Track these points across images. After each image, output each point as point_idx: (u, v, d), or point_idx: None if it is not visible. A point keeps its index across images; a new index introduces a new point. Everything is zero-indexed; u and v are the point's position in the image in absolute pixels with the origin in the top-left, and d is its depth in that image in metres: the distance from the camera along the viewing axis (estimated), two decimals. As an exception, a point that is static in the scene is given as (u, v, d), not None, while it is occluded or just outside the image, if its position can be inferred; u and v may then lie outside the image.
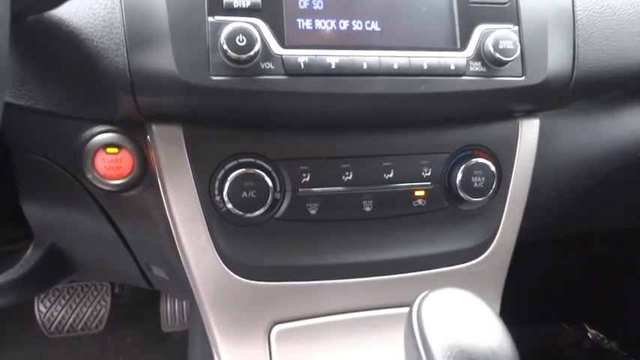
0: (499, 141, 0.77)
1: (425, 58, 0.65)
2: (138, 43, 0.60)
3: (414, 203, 0.74)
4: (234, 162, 0.68)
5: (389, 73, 0.64)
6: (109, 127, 0.67)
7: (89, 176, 0.68)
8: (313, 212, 0.71)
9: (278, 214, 0.71)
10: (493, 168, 0.75)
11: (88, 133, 0.67)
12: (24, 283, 0.85)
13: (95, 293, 1.56)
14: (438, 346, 0.44)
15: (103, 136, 0.67)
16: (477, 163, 0.74)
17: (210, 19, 0.60)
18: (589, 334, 1.81)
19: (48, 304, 1.53)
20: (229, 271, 0.71)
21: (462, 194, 0.74)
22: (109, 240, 0.81)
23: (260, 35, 0.60)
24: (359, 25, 0.65)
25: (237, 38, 0.58)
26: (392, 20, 0.65)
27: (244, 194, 0.67)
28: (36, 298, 1.53)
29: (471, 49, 0.67)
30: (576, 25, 0.73)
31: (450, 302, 0.48)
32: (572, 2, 0.73)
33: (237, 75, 0.61)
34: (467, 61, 0.66)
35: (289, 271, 0.73)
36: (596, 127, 0.85)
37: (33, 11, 0.56)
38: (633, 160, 0.87)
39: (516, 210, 0.79)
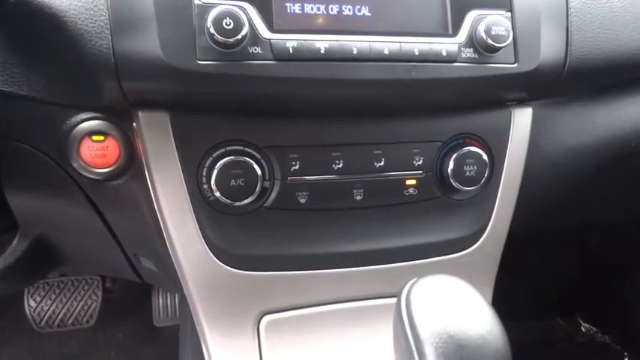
0: (491, 130, 0.76)
1: (416, 44, 0.64)
2: (122, 27, 0.58)
3: (405, 192, 0.74)
4: (223, 149, 0.67)
5: (379, 58, 0.63)
6: (95, 115, 0.66)
7: (75, 165, 0.67)
8: (303, 201, 0.70)
9: (267, 203, 0.70)
10: (485, 157, 0.74)
11: (73, 120, 0.65)
12: (10, 275, 0.84)
13: (86, 287, 1.54)
14: (426, 333, 0.43)
15: (88, 123, 0.65)
16: (469, 151, 0.73)
17: (197, 1, 0.59)
18: (582, 327, 1.81)
19: (38, 299, 1.52)
20: (217, 261, 0.70)
21: (453, 183, 0.73)
22: (96, 230, 0.80)
23: (248, 19, 0.59)
24: (349, 9, 0.63)
25: (225, 21, 0.57)
26: (383, 5, 0.64)
27: (232, 182, 0.66)
28: (25, 292, 1.51)
29: (462, 35, 0.66)
30: (569, 13, 0.72)
31: (439, 289, 0.47)
32: None
33: (224, 59, 0.59)
34: (459, 47, 0.66)
35: (278, 261, 0.72)
36: (591, 116, 0.84)
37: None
38: (627, 150, 0.86)
39: (509, 199, 0.79)
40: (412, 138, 0.73)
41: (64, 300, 1.52)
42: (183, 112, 0.66)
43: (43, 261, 0.91)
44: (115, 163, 0.67)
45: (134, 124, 0.66)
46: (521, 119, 0.77)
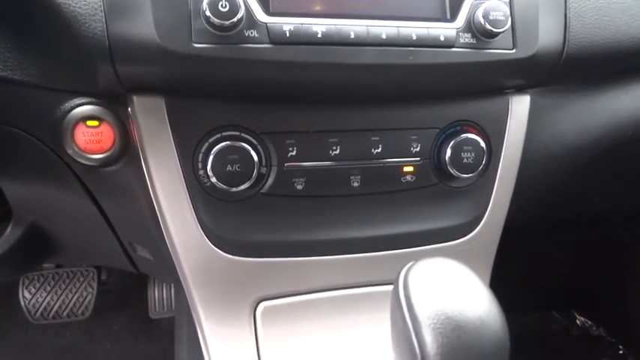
0: (489, 117, 0.75)
1: (414, 29, 0.64)
2: (116, 8, 0.57)
3: (402, 179, 0.73)
4: (219, 135, 0.66)
5: (377, 43, 0.62)
6: (89, 100, 0.65)
7: (69, 151, 0.66)
8: (300, 187, 0.70)
9: (264, 189, 0.69)
10: (483, 144, 0.74)
11: (67, 105, 0.65)
12: (3, 263, 0.83)
13: (81, 279, 1.53)
14: (424, 314, 0.43)
15: (82, 108, 0.65)
16: (467, 138, 0.73)
17: None
18: (577, 320, 1.82)
19: (33, 290, 1.51)
20: (213, 247, 0.69)
21: (451, 170, 0.73)
22: (91, 218, 0.79)
23: (244, 1, 0.58)
24: (347, -7, 0.63)
25: (220, 4, 0.56)
26: (381, -11, 0.64)
27: (229, 168, 0.65)
28: (20, 283, 1.50)
29: (461, 20, 0.66)
30: None
31: (437, 271, 0.47)
32: None
33: (219, 42, 0.59)
34: (457, 32, 0.65)
35: (275, 248, 0.71)
36: (588, 105, 0.84)
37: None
38: (625, 139, 0.86)
39: (506, 187, 0.78)
40: (409, 124, 0.72)
41: (59, 292, 1.51)
42: (179, 97, 0.65)
43: (37, 250, 0.91)
44: (109, 149, 0.67)
45: (129, 109, 0.65)
46: (519, 107, 0.77)
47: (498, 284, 0.84)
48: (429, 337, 0.42)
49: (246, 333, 0.72)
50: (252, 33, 0.59)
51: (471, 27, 0.66)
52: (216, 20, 0.57)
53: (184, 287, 0.74)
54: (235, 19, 0.57)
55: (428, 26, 0.64)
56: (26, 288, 1.50)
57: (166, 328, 1.60)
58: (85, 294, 1.52)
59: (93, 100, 0.65)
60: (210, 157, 0.65)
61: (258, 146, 0.68)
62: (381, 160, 0.72)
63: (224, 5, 0.57)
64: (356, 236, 0.73)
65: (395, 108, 0.72)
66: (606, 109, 0.85)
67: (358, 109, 0.71)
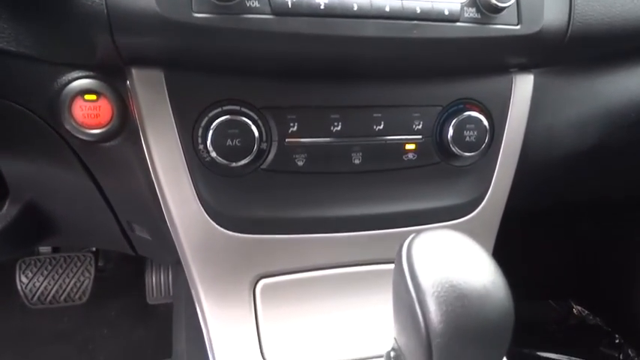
0: (492, 95, 0.75)
1: (418, 2, 0.63)
2: (115, -24, 0.56)
3: (404, 157, 0.73)
4: (219, 109, 0.65)
5: (380, 15, 0.61)
6: (87, 73, 0.64)
7: (67, 126, 0.65)
8: (300, 164, 0.69)
9: (264, 165, 0.68)
10: (486, 122, 0.73)
11: (65, 78, 0.63)
12: (1, 241, 0.82)
13: (78, 264, 1.52)
14: (428, 282, 0.42)
15: (80, 82, 0.63)
16: (470, 116, 0.72)
17: None
18: (574, 310, 1.82)
19: (30, 275, 1.50)
20: (213, 223, 0.68)
21: (453, 148, 0.72)
22: (88, 196, 0.78)
23: None
24: (350, -36, 0.62)
25: None
26: (385, -39, 0.63)
27: (229, 142, 0.65)
28: (17, 268, 1.49)
29: (465, -7, 0.65)
30: None
31: (441, 240, 0.46)
32: None
33: (220, 12, 0.58)
34: (461, 6, 0.64)
35: (275, 224, 0.71)
36: (592, 86, 0.83)
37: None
38: (628, 121, 0.86)
39: (508, 167, 0.78)
40: (412, 102, 0.72)
41: (56, 276, 1.50)
42: (179, 70, 0.64)
43: (34, 229, 0.90)
44: (108, 123, 0.66)
45: (127, 82, 0.64)
46: (523, 86, 0.76)
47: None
48: (432, 306, 0.42)
49: (246, 310, 0.72)
50: (253, 3, 0.58)
51: (475, 1, 0.65)
52: None
53: (183, 265, 0.73)
54: None
55: (432, 0, 0.63)
56: (23, 272, 1.49)
57: (164, 313, 1.59)
58: (82, 279, 1.51)
59: (91, 73, 0.64)
60: (210, 132, 0.65)
61: (259, 121, 0.67)
62: (383, 138, 0.71)
63: None
64: (356, 214, 0.73)
65: (397, 85, 0.71)
66: (609, 91, 0.85)
67: (360, 85, 0.70)
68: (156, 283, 1.53)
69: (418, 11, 0.62)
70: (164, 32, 0.58)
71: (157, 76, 0.64)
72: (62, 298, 1.51)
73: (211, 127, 0.65)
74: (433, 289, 0.42)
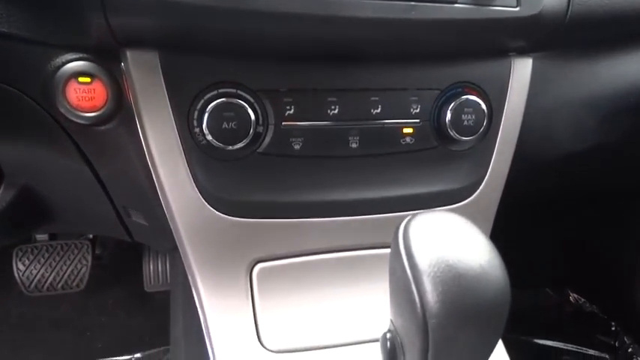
0: (491, 79, 0.74)
1: None
2: (108, -45, 0.55)
3: (401, 141, 0.72)
4: (214, 92, 0.65)
5: (378, -4, 0.61)
6: (81, 55, 0.63)
7: (61, 109, 0.64)
8: (297, 147, 0.68)
9: (260, 149, 0.68)
10: (484, 106, 0.73)
11: (58, 60, 0.63)
12: (-4, 226, 0.82)
13: (75, 252, 1.52)
14: (424, 262, 0.42)
15: (73, 64, 0.63)
16: (468, 100, 0.72)
17: None
18: (571, 297, 1.83)
19: (27, 262, 1.50)
20: (209, 207, 0.68)
21: (451, 132, 0.72)
22: (84, 181, 0.78)
23: None
24: (348, -57, 0.61)
25: None
26: (383, -59, 0.62)
27: (225, 125, 0.64)
28: (14, 255, 1.49)
29: (464, -25, 0.64)
30: None
31: (438, 221, 0.46)
32: None
33: None
34: None
35: (271, 208, 0.70)
36: (592, 70, 0.83)
37: None
38: (627, 106, 0.85)
39: (506, 151, 0.77)
40: (410, 85, 0.71)
41: (53, 264, 1.50)
42: (174, 51, 0.63)
43: (29, 214, 0.89)
44: (102, 106, 0.65)
45: (122, 64, 0.64)
46: (521, 70, 0.75)
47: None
48: (429, 286, 0.41)
49: (243, 295, 0.72)
50: None
51: None
52: None
53: (180, 250, 0.73)
54: None
55: None
56: (20, 260, 1.49)
57: (162, 301, 1.59)
58: (79, 266, 1.51)
59: (84, 55, 0.63)
60: (206, 115, 0.64)
61: (255, 104, 0.66)
62: (381, 121, 0.71)
63: None
64: (354, 198, 0.72)
65: (395, 68, 0.70)
66: (609, 76, 0.84)
67: (358, 68, 0.69)
68: (153, 270, 1.53)
69: (416, -8, 0.62)
70: (158, 12, 0.57)
71: (152, 58, 0.63)
72: (59, 285, 1.51)
73: (207, 109, 0.64)
74: (429, 270, 0.42)
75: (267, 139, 0.68)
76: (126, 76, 0.64)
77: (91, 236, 1.56)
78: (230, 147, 0.65)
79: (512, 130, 0.77)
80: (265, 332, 0.71)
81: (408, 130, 0.72)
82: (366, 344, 0.71)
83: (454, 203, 0.77)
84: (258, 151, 0.68)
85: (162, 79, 0.64)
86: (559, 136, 0.85)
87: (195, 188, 0.67)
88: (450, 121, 0.72)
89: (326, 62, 0.68)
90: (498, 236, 0.82)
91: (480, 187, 0.78)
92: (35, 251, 1.51)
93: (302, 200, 0.71)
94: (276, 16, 0.59)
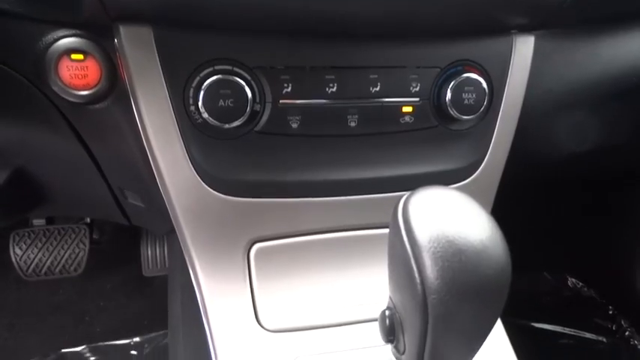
0: (492, 57, 0.73)
1: None
2: None
3: (401, 120, 0.71)
4: (210, 69, 0.63)
5: (377, -30, 0.59)
6: (73, 32, 0.62)
7: (54, 87, 0.63)
8: (295, 126, 0.67)
9: (258, 127, 0.67)
10: (485, 85, 0.72)
11: (50, 37, 0.61)
12: (-10, 208, 0.81)
13: (73, 236, 1.51)
14: (424, 238, 0.41)
15: (66, 40, 0.62)
16: (468, 78, 0.71)
17: None
18: (569, 282, 1.83)
19: (24, 247, 1.49)
20: (206, 186, 0.67)
21: (451, 111, 0.71)
22: (79, 162, 0.76)
23: None
24: None
25: None
26: None
27: (221, 103, 0.63)
28: (11, 240, 1.48)
29: (465, -52, 0.62)
30: None
31: (438, 197, 0.45)
32: None
33: None
34: None
35: (269, 187, 0.69)
36: (594, 50, 0.81)
37: None
38: (629, 85, 0.84)
39: (507, 131, 0.76)
40: (410, 63, 0.70)
41: (51, 248, 1.50)
42: (168, 27, 0.62)
43: (24, 196, 0.88)
44: (96, 84, 0.64)
45: (115, 41, 0.62)
46: (523, 48, 0.74)
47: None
48: (428, 262, 0.41)
49: (240, 275, 0.71)
50: None
51: None
52: None
53: (177, 230, 0.72)
54: None
55: None
56: (17, 244, 1.48)
57: (160, 286, 1.59)
58: (77, 250, 1.51)
59: (77, 32, 0.62)
60: (202, 92, 0.63)
61: (252, 82, 0.65)
62: (380, 100, 0.69)
63: None
64: (352, 178, 0.71)
65: (395, 45, 0.69)
66: (611, 55, 0.83)
67: (357, 46, 0.68)
68: (151, 255, 1.53)
69: (417, -34, 0.60)
70: None
71: (146, 34, 0.62)
72: (57, 269, 1.50)
73: (203, 87, 0.63)
74: (429, 245, 0.41)
75: (265, 118, 0.66)
76: (119, 53, 0.63)
77: (88, 221, 1.55)
78: (227, 125, 0.64)
79: (513, 110, 0.76)
80: (263, 312, 0.70)
81: (407, 109, 0.71)
82: (365, 324, 0.71)
83: (453, 183, 0.76)
84: (255, 129, 0.67)
85: (157, 56, 0.62)
86: (560, 116, 0.84)
87: (192, 167, 0.66)
88: (450, 99, 0.71)
89: (324, 39, 0.66)
90: (497, 219, 0.82)
91: (480, 168, 0.77)
92: (32, 235, 1.50)
93: (300, 180, 0.70)
94: None
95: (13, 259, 1.48)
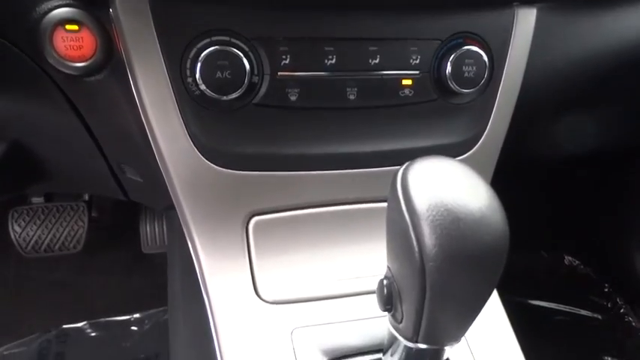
0: (493, 29, 0.72)
1: None
2: None
3: (400, 93, 0.70)
4: (207, 40, 0.63)
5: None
6: (67, 1, 0.61)
7: (50, 59, 0.63)
8: (293, 98, 0.67)
9: (256, 100, 0.66)
10: (485, 57, 0.71)
11: (44, 7, 0.61)
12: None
13: (72, 213, 1.51)
14: (423, 206, 0.41)
15: (60, 10, 0.61)
16: (469, 51, 0.70)
17: None
18: (565, 260, 1.84)
19: (23, 224, 1.49)
20: (204, 159, 0.67)
21: (451, 85, 0.70)
22: (76, 135, 0.76)
23: None
24: None
25: None
26: None
27: (219, 74, 0.62)
28: (9, 217, 1.48)
29: None
30: None
31: (437, 166, 0.45)
32: None
33: None
34: None
35: (267, 161, 0.69)
36: (596, 24, 0.80)
37: None
38: (632, 59, 0.83)
39: (507, 105, 0.76)
40: (410, 35, 0.69)
41: (50, 225, 1.50)
42: None
43: (21, 170, 0.88)
44: (92, 56, 0.63)
45: (110, 11, 0.61)
46: (525, 20, 0.73)
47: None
48: (427, 229, 0.41)
49: (239, 248, 0.71)
50: None
51: None
52: None
53: (175, 204, 0.72)
54: None
55: None
56: (15, 221, 1.49)
57: (159, 263, 1.60)
58: (75, 227, 1.51)
59: (71, 1, 0.61)
60: (199, 64, 0.62)
61: (250, 53, 0.64)
62: (379, 72, 0.69)
63: None
64: (351, 151, 0.71)
65: (395, 17, 0.68)
66: (614, 30, 0.82)
67: (356, 17, 0.67)
68: (150, 232, 1.53)
69: None
70: None
71: (142, 3, 0.61)
72: (57, 247, 1.51)
73: (200, 58, 0.62)
74: (428, 213, 0.41)
75: (263, 90, 0.66)
76: (115, 23, 0.62)
77: (87, 198, 1.56)
78: (224, 97, 0.64)
79: (514, 84, 0.75)
80: (262, 284, 0.71)
81: (407, 82, 0.70)
82: (363, 296, 0.71)
83: (453, 157, 0.75)
84: (253, 102, 0.66)
85: (153, 27, 0.61)
86: (561, 91, 0.83)
87: (190, 140, 0.66)
88: (451, 72, 0.70)
89: (323, 10, 0.65)
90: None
91: (479, 142, 0.76)
92: (31, 213, 1.50)
93: (298, 153, 0.69)
94: None
95: (12, 236, 1.48)
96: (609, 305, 1.67)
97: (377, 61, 0.68)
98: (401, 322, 0.49)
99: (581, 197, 1.70)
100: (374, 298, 0.54)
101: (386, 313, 0.52)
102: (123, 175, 0.89)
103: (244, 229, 0.71)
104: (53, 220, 1.50)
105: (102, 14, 0.62)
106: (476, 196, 0.42)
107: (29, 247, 1.49)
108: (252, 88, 0.65)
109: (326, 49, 0.66)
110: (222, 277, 0.71)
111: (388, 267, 0.50)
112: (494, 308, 0.75)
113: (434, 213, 0.41)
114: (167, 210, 0.98)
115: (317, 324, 0.68)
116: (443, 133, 0.74)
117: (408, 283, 0.45)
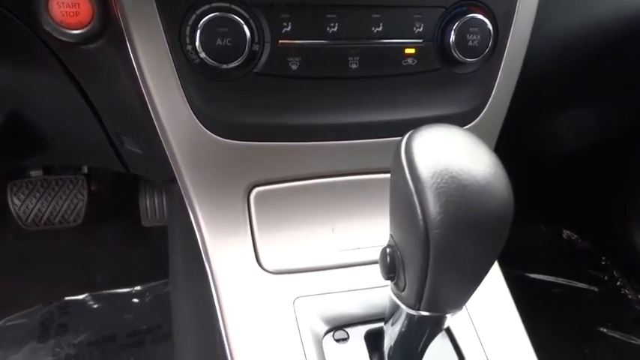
0: None
1: None
2: None
3: (403, 62, 0.69)
4: (207, 6, 0.61)
5: None
6: None
7: (46, 27, 0.61)
8: (295, 67, 0.66)
9: (257, 69, 0.65)
10: (490, 26, 0.70)
11: None
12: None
13: (71, 187, 1.51)
14: (427, 173, 0.41)
15: None
16: (473, 19, 0.68)
17: None
18: (564, 234, 1.85)
19: (22, 197, 1.49)
20: (204, 129, 0.66)
21: (455, 54, 0.69)
22: (74, 106, 0.75)
23: None
24: None
25: None
26: None
27: (219, 42, 0.61)
28: (9, 191, 1.48)
29: None
30: None
31: (441, 134, 0.44)
32: None
33: None
34: None
35: (269, 131, 0.68)
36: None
37: None
38: (638, 31, 0.82)
39: (511, 75, 0.75)
40: (413, 2, 0.67)
41: (49, 198, 1.50)
42: None
43: (18, 141, 0.87)
44: (89, 22, 0.62)
45: None
46: None
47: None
48: (431, 197, 0.41)
49: (241, 219, 0.71)
50: None
51: None
52: None
53: (176, 175, 0.72)
54: None
55: None
56: (15, 195, 1.48)
57: (160, 235, 1.60)
58: (75, 201, 1.51)
59: None
60: (199, 31, 0.61)
61: (250, 20, 0.62)
62: (382, 41, 0.67)
63: None
64: (353, 121, 0.70)
65: (398, -17, 0.66)
66: (620, 1, 0.80)
67: (359, -17, 0.65)
68: (150, 204, 1.53)
69: None
70: None
71: None
72: (57, 220, 1.51)
73: (199, 25, 0.61)
74: (432, 181, 0.40)
75: (264, 58, 0.65)
76: None
77: (86, 171, 1.55)
78: (225, 66, 0.62)
79: (518, 54, 0.74)
80: (264, 255, 0.71)
81: (410, 51, 0.69)
82: (365, 266, 0.72)
83: None
84: (254, 70, 0.65)
85: None
86: (566, 61, 0.82)
87: (190, 109, 0.65)
88: (454, 41, 0.69)
89: (325, -24, 0.64)
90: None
91: (483, 112, 0.75)
92: (30, 186, 1.50)
93: (299, 123, 0.69)
94: None
95: (12, 209, 1.48)
96: (606, 278, 1.69)
97: (380, 29, 0.67)
98: (403, 290, 0.49)
99: (580, 172, 1.70)
100: (375, 268, 0.54)
101: (388, 281, 0.53)
102: (122, 146, 0.88)
103: (246, 200, 0.71)
104: (52, 193, 1.50)
105: None
106: (481, 163, 0.41)
107: (29, 220, 1.49)
108: (253, 56, 0.64)
109: (328, 16, 0.65)
110: (224, 247, 0.71)
111: (391, 235, 0.50)
112: (494, 278, 0.75)
113: (438, 180, 0.40)
114: (167, 183, 0.98)
115: (319, 293, 0.69)
116: (446, 103, 0.73)
117: (412, 250, 0.45)
